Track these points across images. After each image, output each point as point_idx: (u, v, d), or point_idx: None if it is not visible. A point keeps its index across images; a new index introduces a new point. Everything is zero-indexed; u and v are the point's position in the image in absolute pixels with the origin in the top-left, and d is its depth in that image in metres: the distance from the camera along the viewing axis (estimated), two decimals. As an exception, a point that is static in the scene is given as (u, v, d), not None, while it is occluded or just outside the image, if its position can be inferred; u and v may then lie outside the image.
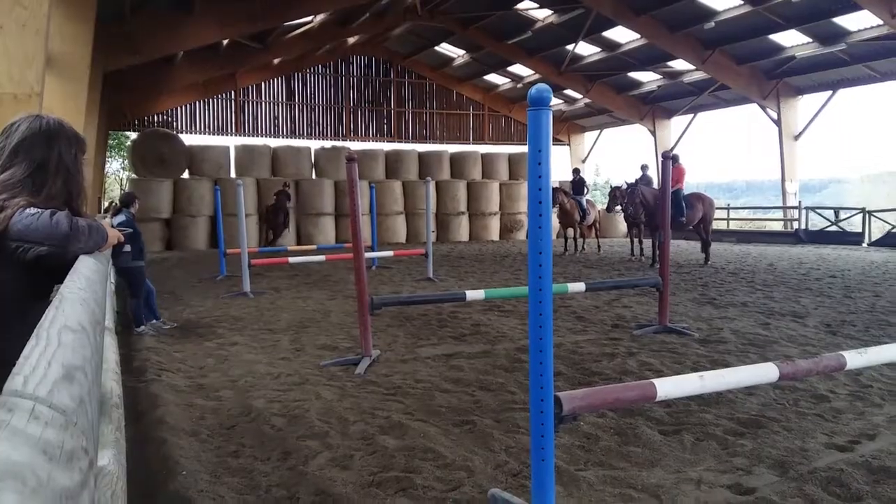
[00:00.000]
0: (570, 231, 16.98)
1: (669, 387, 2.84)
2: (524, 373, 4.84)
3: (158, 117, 23.92)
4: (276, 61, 24.17)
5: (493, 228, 24.33)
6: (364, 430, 3.73)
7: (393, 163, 23.68)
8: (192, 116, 24.52)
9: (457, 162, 24.69)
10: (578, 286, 6.53)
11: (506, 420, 3.89)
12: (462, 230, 23.70)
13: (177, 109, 24.20)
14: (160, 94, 22.30)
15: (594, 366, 5.22)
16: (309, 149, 22.88)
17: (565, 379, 4.79)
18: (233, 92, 24.81)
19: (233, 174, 21.73)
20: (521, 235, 24.12)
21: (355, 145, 25.82)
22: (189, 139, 22.53)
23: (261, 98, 25.51)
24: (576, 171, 18.14)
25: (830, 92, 21.19)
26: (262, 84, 25.50)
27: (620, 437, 3.61)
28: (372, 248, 13.16)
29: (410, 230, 22.79)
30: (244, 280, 9.65)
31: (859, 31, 17.67)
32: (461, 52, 25.91)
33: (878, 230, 19.86)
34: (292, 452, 3.43)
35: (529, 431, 2.50)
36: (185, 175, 21.18)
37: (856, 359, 3.41)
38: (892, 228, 19.20)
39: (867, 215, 20.00)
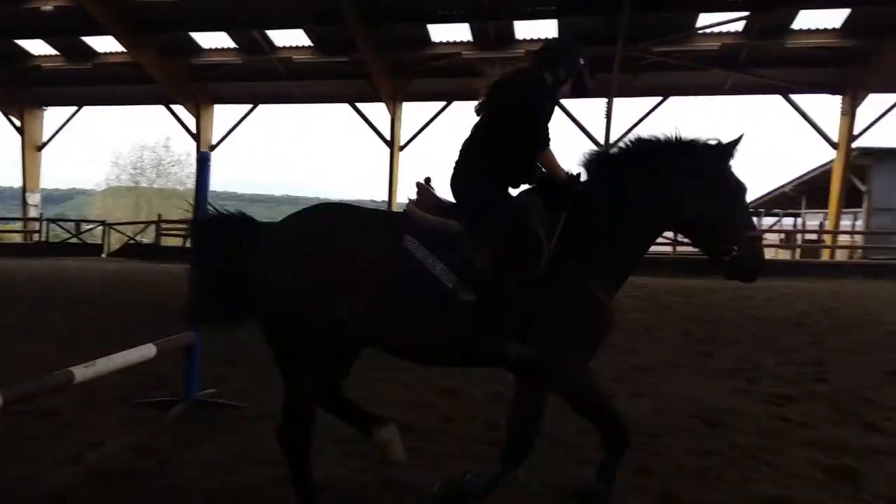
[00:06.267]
0: None
1: None
2: None
3: None
4: None
5: None
6: None
7: None
8: None
9: None
10: None
11: None
12: None
13: None
14: None
15: None
16: None
17: None
18: None
19: None
20: None
21: None
22: None
23: None
24: None
25: (77, 107, 22.09)
26: None
27: None
28: None
29: None
30: None
31: (105, 53, 19.10)
32: None
33: (117, 241, 21.57)
34: None
35: None
36: None
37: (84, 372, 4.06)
38: (129, 240, 21.28)
39: (107, 228, 21.56)
